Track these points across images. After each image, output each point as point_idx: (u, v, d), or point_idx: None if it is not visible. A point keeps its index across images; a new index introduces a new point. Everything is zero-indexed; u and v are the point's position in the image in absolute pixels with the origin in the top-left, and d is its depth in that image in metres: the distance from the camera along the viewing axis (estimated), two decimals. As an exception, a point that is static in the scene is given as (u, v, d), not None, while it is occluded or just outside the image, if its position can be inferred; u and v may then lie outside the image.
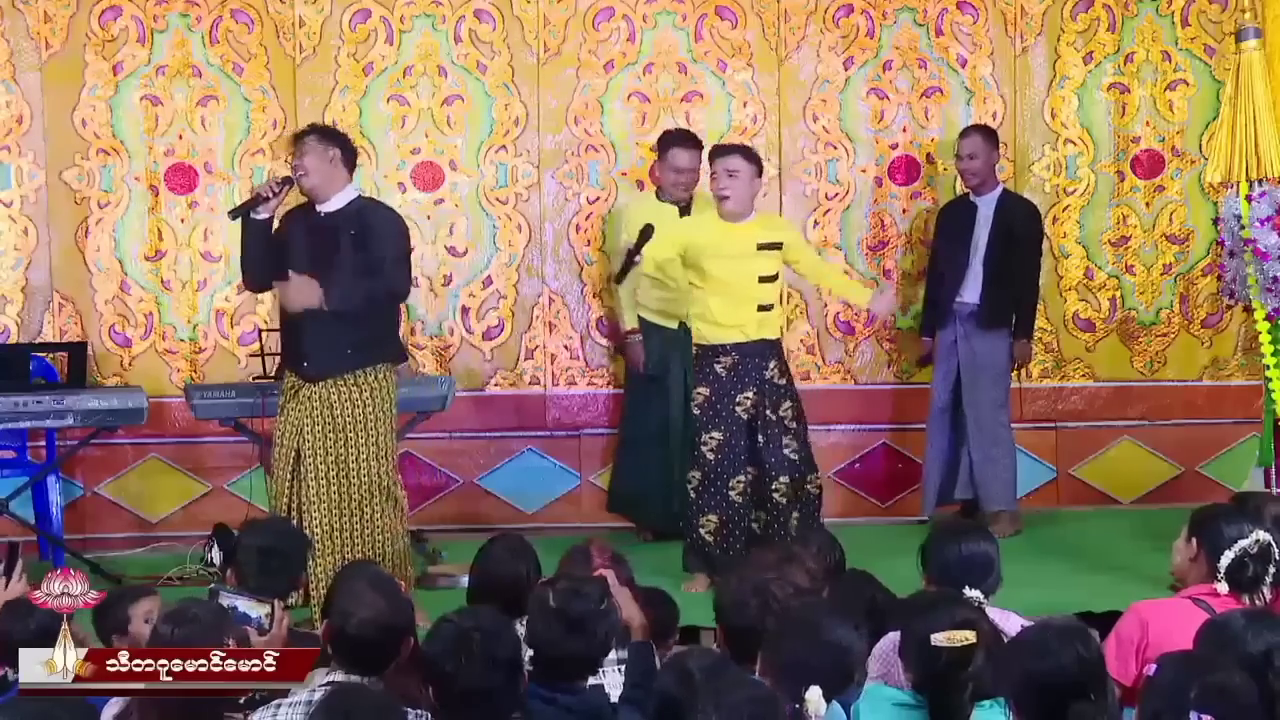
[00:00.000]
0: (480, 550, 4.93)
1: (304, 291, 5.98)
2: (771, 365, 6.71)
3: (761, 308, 6.68)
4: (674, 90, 8.03)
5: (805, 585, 4.36)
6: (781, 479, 6.65)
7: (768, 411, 6.65)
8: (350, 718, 3.39)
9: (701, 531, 6.64)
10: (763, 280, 6.69)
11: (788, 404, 6.72)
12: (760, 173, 6.80)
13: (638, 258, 6.66)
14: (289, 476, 6.12)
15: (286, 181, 6.08)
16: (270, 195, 6.04)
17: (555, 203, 7.99)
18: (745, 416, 6.64)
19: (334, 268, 6.03)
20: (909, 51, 8.13)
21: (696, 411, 6.71)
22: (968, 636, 3.74)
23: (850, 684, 3.80)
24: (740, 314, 6.65)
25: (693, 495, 6.70)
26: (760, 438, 6.66)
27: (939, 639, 3.73)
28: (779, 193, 8.10)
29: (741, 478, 6.62)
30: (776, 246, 6.71)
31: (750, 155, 6.76)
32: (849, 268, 8.13)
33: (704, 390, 6.70)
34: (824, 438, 8.17)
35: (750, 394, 6.64)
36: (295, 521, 6.06)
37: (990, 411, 7.64)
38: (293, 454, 6.11)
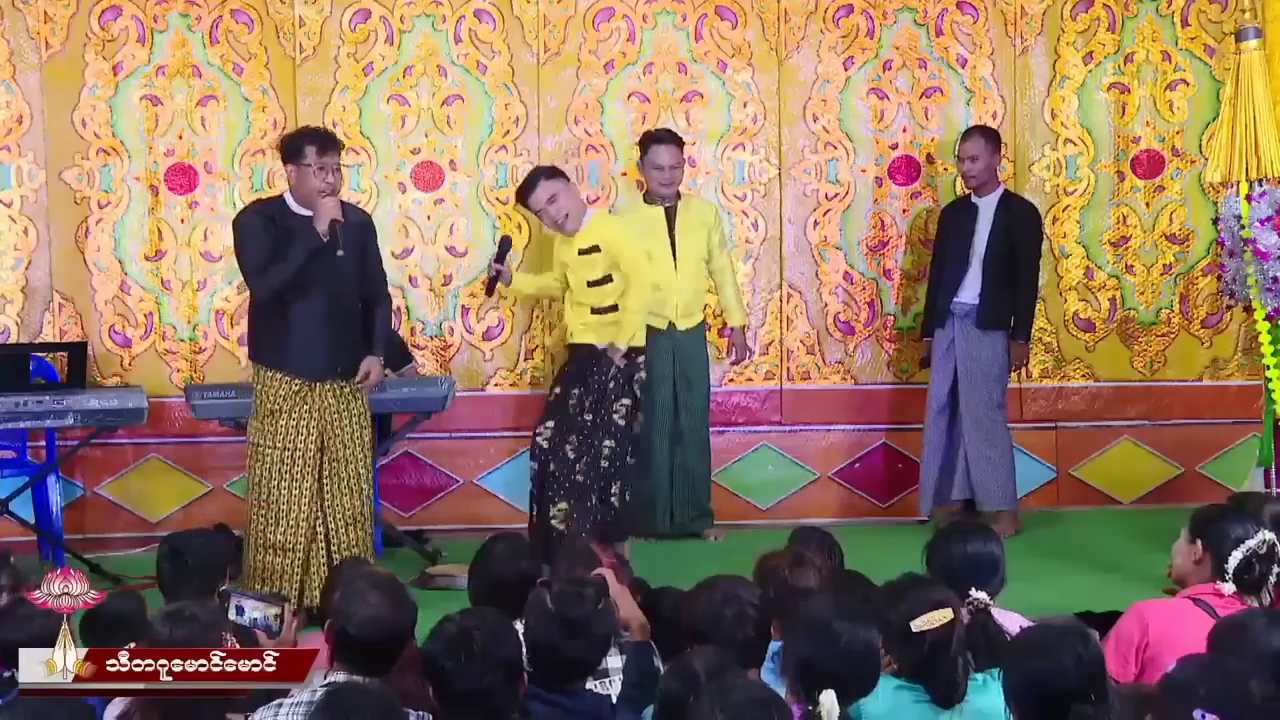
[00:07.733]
0: (480, 550, 4.85)
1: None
2: (608, 369, 6.91)
3: (596, 310, 6.99)
4: (674, 90, 8.02)
5: (814, 586, 4.35)
6: (557, 471, 6.89)
7: (585, 415, 6.93)
8: (351, 717, 3.39)
9: (552, 521, 6.86)
10: (591, 285, 6.99)
11: (604, 414, 6.93)
12: (564, 180, 7.10)
13: (498, 268, 7.16)
14: (313, 478, 6.15)
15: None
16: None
17: (555, 203, 7.97)
18: (573, 412, 6.94)
19: (364, 263, 6.29)
20: (909, 51, 8.13)
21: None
22: (945, 615, 3.75)
23: (873, 688, 3.78)
24: (574, 318, 7.09)
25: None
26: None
27: (917, 624, 3.74)
28: (779, 193, 8.10)
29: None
30: (595, 250, 6.96)
31: (549, 176, 7.06)
32: (849, 268, 8.15)
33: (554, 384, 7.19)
34: (823, 438, 8.19)
35: (576, 391, 6.96)
36: (322, 524, 6.13)
37: (987, 412, 7.64)
38: (315, 456, 6.15)
